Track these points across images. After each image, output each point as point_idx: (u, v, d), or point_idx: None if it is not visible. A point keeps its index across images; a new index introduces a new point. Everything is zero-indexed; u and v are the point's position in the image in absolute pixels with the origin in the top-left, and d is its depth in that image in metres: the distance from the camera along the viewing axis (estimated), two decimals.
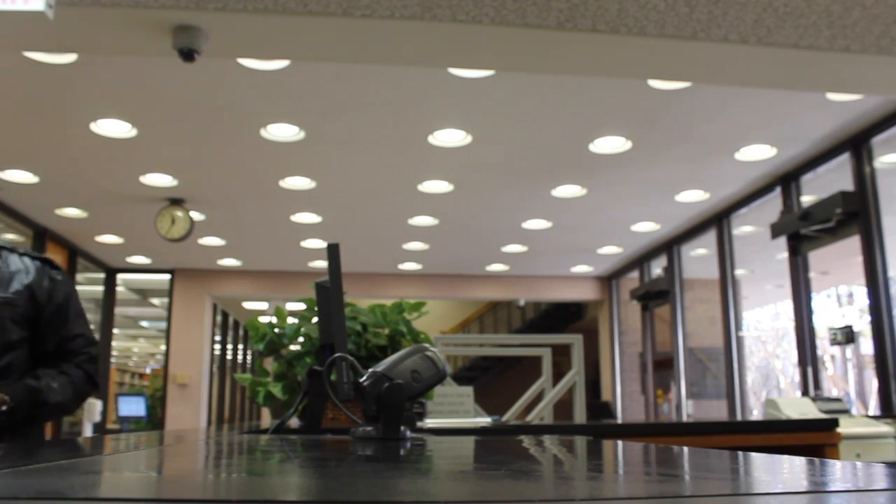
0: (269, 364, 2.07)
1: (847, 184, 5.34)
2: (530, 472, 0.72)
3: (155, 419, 10.36)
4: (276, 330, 2.00)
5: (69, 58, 4.06)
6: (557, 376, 4.55)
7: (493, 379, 14.87)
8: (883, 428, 3.77)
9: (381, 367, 1.26)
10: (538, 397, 4.56)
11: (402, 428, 1.09)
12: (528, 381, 4.77)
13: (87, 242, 8.45)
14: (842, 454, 3.38)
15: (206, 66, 3.88)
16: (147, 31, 3.18)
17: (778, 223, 5.99)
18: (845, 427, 3.52)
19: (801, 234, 5.73)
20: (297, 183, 6.36)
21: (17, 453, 0.78)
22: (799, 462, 0.79)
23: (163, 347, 10.30)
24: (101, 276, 9.61)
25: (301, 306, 2.09)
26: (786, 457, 0.87)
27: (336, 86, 4.53)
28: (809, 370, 5.91)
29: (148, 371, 17.88)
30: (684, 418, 7.98)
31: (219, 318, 11.70)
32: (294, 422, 2.06)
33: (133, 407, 9.81)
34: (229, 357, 13.30)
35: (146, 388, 14.67)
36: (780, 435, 3.35)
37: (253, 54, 3.85)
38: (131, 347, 18.31)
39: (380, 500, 0.48)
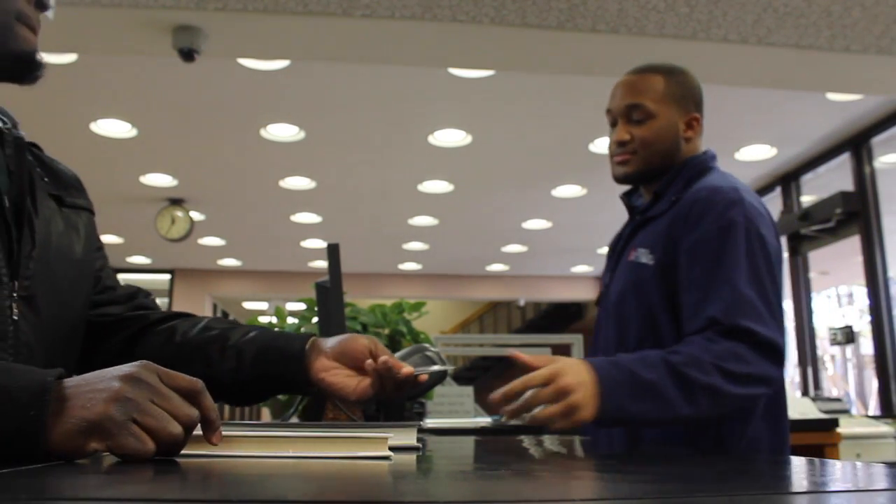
0: None
1: (847, 184, 5.34)
2: (530, 472, 0.72)
3: None
4: (276, 330, 2.00)
5: (69, 58, 4.06)
6: None
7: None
8: (883, 428, 3.77)
9: None
10: None
11: None
12: None
13: None
14: (842, 454, 3.38)
15: (206, 66, 3.87)
16: (147, 31, 3.18)
17: (778, 223, 5.96)
18: (845, 427, 3.51)
19: (801, 234, 5.73)
20: (297, 183, 6.36)
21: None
22: (799, 462, 0.79)
23: None
24: None
25: (301, 306, 2.09)
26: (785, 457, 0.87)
27: (336, 86, 4.53)
28: (809, 370, 5.91)
29: None
30: None
31: None
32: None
33: None
34: None
35: None
36: None
37: (253, 54, 3.85)
38: None
39: (380, 499, 0.48)
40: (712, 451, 1.38)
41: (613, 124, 1.65)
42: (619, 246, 1.67)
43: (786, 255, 6.06)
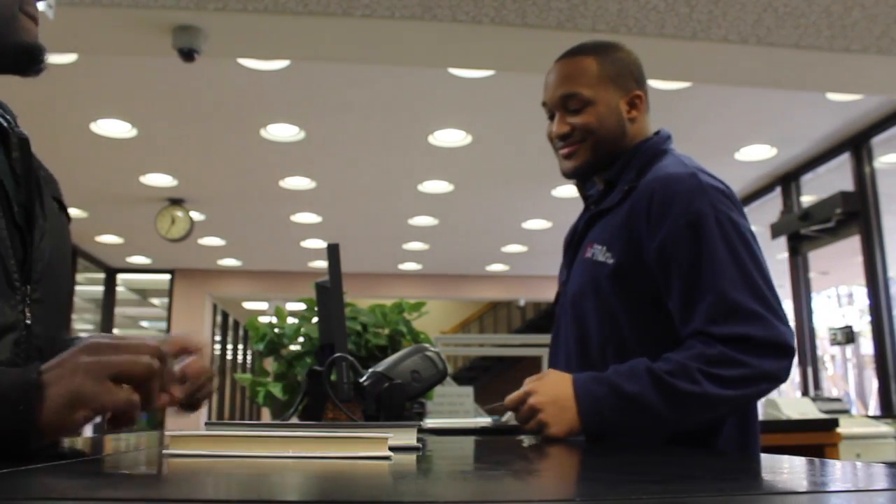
0: (269, 364, 2.07)
1: (847, 184, 5.34)
2: (530, 472, 0.72)
3: (155, 420, 10.35)
4: (276, 330, 2.00)
5: (69, 58, 4.06)
6: None
7: (493, 379, 14.86)
8: (883, 428, 3.77)
9: (381, 367, 1.26)
10: None
11: None
12: None
13: (87, 242, 8.45)
14: (842, 454, 3.38)
15: (206, 66, 3.87)
16: (147, 31, 3.18)
17: (778, 223, 5.98)
18: (845, 427, 3.52)
19: (801, 234, 5.73)
20: (297, 183, 6.36)
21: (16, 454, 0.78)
22: (799, 462, 0.78)
23: None
24: (101, 276, 9.60)
25: (301, 306, 2.09)
26: (786, 457, 0.87)
27: (336, 86, 4.53)
28: (809, 370, 5.91)
29: None
30: None
31: (219, 318, 11.69)
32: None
33: None
34: (229, 357, 13.29)
35: None
36: (780, 435, 3.35)
37: (253, 54, 3.85)
38: None
39: (380, 500, 0.48)
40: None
41: (551, 117, 1.52)
42: (575, 240, 1.58)
43: (786, 254, 6.06)
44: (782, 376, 1.28)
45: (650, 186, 1.37)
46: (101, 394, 0.72)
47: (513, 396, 1.35)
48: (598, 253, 1.42)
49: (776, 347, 1.25)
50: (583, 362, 1.43)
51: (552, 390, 1.30)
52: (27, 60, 1.00)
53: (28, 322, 0.95)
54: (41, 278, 0.99)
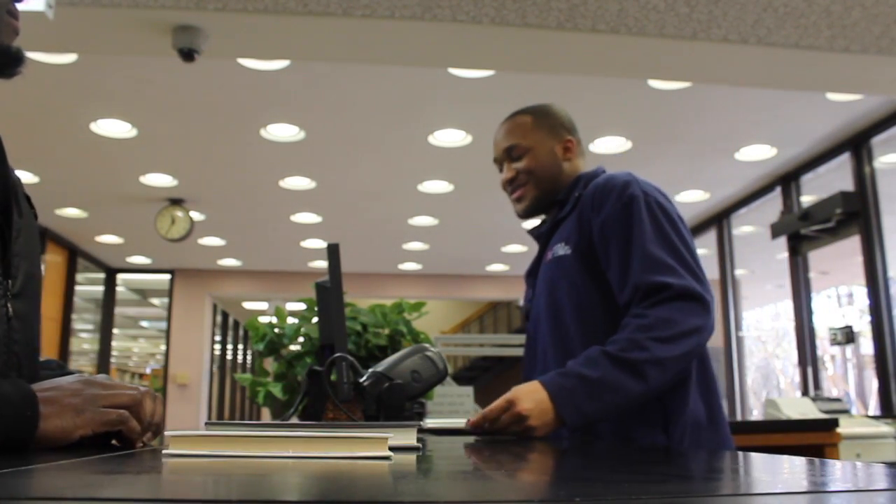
0: (269, 364, 2.07)
1: (847, 184, 5.34)
2: (530, 472, 0.73)
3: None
4: (276, 330, 2.00)
5: (69, 58, 4.06)
6: None
7: (493, 379, 14.85)
8: (883, 428, 3.77)
9: (381, 367, 1.26)
10: None
11: None
12: None
13: (87, 242, 8.45)
14: (842, 454, 3.38)
15: (206, 66, 3.87)
16: (147, 31, 3.18)
17: (778, 223, 5.98)
18: (845, 427, 3.51)
19: (801, 234, 5.73)
20: (297, 183, 6.36)
21: (15, 454, 0.78)
22: (799, 462, 0.79)
23: (163, 347, 10.29)
24: (101, 276, 9.61)
25: (301, 306, 2.09)
26: (786, 457, 0.87)
27: (336, 86, 4.53)
28: (809, 370, 5.91)
29: (148, 371, 17.85)
30: None
31: (219, 318, 11.69)
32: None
33: None
34: (229, 357, 13.29)
35: None
36: (780, 435, 3.36)
37: (253, 54, 3.85)
38: (131, 347, 18.30)
39: (380, 500, 0.48)
40: (662, 427, 1.50)
41: (501, 169, 1.79)
42: (538, 265, 1.76)
43: (786, 254, 6.06)
44: (708, 326, 1.46)
45: (594, 185, 1.63)
46: (96, 412, 0.86)
47: (495, 407, 1.43)
48: (559, 249, 1.64)
49: (692, 298, 1.45)
50: (561, 364, 1.52)
51: (532, 396, 1.41)
52: (8, 63, 1.00)
53: (10, 317, 0.95)
54: (18, 273, 0.99)
